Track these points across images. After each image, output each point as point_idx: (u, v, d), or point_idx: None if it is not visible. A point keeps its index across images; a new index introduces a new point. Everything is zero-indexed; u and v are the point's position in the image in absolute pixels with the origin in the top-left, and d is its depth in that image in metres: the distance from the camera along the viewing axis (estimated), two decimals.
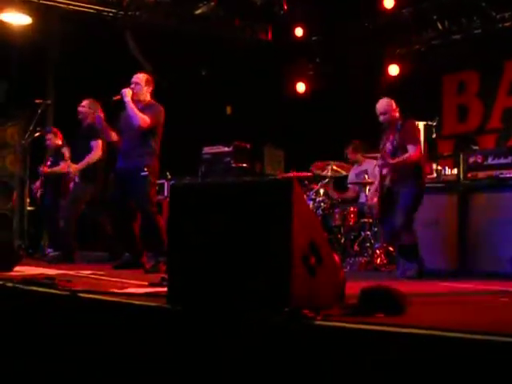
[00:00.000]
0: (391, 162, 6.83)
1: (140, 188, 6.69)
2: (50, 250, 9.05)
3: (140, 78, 6.90)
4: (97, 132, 7.73)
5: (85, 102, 7.92)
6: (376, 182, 8.11)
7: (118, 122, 7.06)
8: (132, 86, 6.81)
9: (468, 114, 10.39)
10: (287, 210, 3.36)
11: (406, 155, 6.72)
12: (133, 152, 6.77)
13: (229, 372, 3.38)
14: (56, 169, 8.47)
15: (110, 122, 7.21)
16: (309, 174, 8.94)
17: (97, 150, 7.71)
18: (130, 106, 6.65)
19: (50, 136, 8.90)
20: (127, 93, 6.68)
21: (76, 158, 7.81)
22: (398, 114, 7.03)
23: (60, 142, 8.81)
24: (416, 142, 6.87)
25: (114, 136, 7.21)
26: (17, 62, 10.17)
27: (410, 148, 6.72)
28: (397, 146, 6.84)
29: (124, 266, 6.81)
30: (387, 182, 6.92)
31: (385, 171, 7.01)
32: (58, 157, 8.72)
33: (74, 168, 7.66)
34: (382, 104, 7.04)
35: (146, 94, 6.88)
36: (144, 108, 6.79)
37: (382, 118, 7.01)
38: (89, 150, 7.71)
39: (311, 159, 9.17)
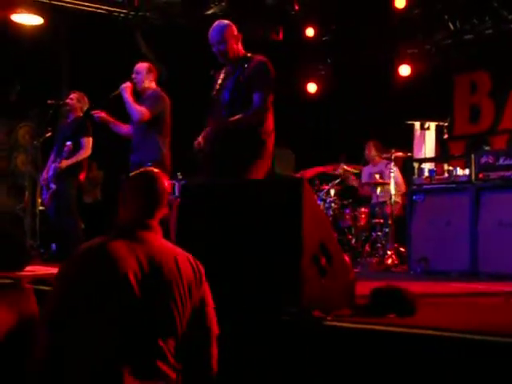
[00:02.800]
0: (230, 120, 4.92)
1: None
2: None
3: (141, 66, 6.76)
4: (87, 129, 7.63)
5: (73, 95, 7.81)
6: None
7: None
8: (133, 75, 6.68)
9: (480, 115, 10.35)
10: (297, 210, 3.36)
11: (251, 112, 4.84)
12: (139, 145, 6.61)
13: (238, 372, 3.37)
14: None
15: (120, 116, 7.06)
16: (319, 168, 8.88)
17: (87, 148, 7.60)
18: (128, 101, 6.49)
19: None
20: (126, 88, 6.53)
21: (63, 155, 7.62)
22: (241, 48, 5.16)
23: None
24: (267, 89, 4.94)
25: (125, 128, 6.96)
26: (28, 63, 10.19)
27: (257, 98, 4.88)
28: (238, 95, 4.98)
29: None
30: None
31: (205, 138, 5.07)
32: None
33: (64, 163, 7.53)
34: (218, 28, 5.13)
35: (148, 82, 6.71)
36: (146, 98, 6.65)
37: (216, 48, 5.14)
38: (77, 145, 7.58)
39: (322, 160, 9.16)
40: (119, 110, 6.76)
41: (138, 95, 6.71)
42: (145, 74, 6.72)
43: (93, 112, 6.81)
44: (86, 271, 2.81)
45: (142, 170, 3.21)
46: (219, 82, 5.14)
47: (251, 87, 4.92)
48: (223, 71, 5.22)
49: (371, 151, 9.17)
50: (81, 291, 2.77)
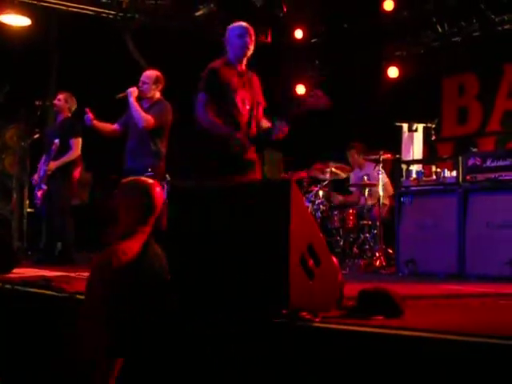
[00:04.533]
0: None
1: None
2: None
3: (148, 76, 6.82)
4: (76, 129, 7.64)
5: (61, 96, 7.81)
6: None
7: (126, 119, 6.95)
8: (140, 84, 6.76)
9: (468, 117, 10.39)
10: (285, 212, 3.36)
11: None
12: (138, 152, 6.69)
13: (227, 374, 3.37)
14: None
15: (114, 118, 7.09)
16: (304, 173, 8.90)
17: (76, 148, 7.61)
18: (134, 106, 6.59)
19: None
20: (132, 92, 6.61)
21: (51, 153, 7.60)
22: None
23: None
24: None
25: (109, 128, 7.00)
26: (16, 64, 10.16)
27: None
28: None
29: None
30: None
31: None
32: None
33: (52, 165, 7.52)
34: (244, 24, 5.53)
35: (153, 92, 6.80)
36: (150, 106, 6.74)
37: (248, 40, 5.50)
38: (66, 146, 7.57)
39: (311, 162, 9.16)
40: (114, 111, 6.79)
41: (140, 99, 6.76)
42: (151, 84, 6.80)
43: (87, 110, 6.81)
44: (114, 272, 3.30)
45: (136, 179, 3.65)
46: (239, 90, 5.39)
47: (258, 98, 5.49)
48: (232, 75, 5.44)
49: (354, 157, 9.21)
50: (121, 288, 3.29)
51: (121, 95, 6.65)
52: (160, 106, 6.77)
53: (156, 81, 6.82)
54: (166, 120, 6.76)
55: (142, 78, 6.81)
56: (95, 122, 6.81)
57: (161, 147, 6.74)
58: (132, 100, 6.60)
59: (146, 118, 6.59)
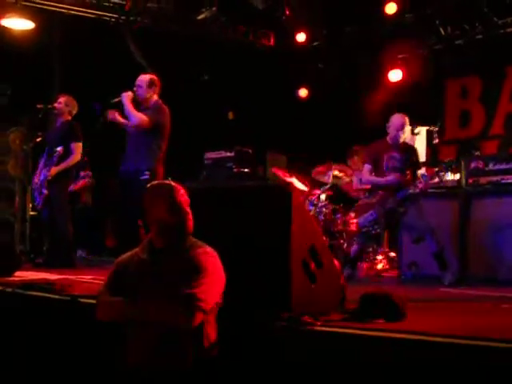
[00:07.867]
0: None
1: (140, 192, 6.55)
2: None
3: (142, 79, 6.81)
4: (76, 134, 7.63)
5: (62, 99, 7.79)
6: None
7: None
8: (135, 88, 6.76)
9: (470, 120, 10.38)
10: (286, 216, 3.36)
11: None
12: (135, 154, 6.66)
13: (228, 377, 3.37)
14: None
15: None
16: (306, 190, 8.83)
17: (77, 153, 7.60)
18: (128, 107, 6.60)
19: None
20: (127, 96, 6.64)
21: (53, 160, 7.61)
22: None
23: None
24: None
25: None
26: (19, 67, 10.17)
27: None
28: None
29: None
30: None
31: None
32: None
33: (53, 171, 7.50)
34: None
35: (149, 96, 6.77)
36: (145, 109, 6.73)
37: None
38: (67, 151, 7.57)
39: (314, 164, 9.14)
40: None
41: (138, 104, 6.76)
42: (146, 88, 6.79)
43: (109, 112, 6.80)
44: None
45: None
46: None
47: None
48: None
49: (354, 162, 9.13)
50: None
51: (115, 100, 6.69)
52: (156, 108, 6.73)
53: (150, 84, 6.80)
54: (163, 121, 6.71)
55: (136, 82, 6.81)
56: (115, 116, 6.81)
57: (158, 151, 6.69)
58: (126, 102, 6.62)
59: (139, 116, 6.60)
